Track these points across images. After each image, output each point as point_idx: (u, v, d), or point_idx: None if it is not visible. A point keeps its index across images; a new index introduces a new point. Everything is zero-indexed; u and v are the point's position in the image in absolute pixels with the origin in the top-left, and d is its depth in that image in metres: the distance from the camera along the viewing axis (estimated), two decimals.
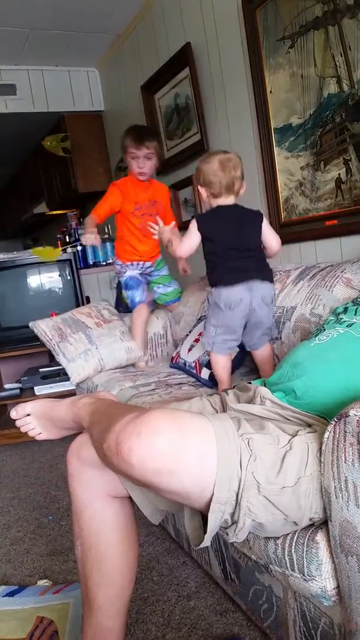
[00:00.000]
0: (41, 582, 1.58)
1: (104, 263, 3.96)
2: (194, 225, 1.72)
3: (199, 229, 1.71)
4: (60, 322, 2.46)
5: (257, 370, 1.85)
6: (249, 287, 1.65)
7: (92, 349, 2.36)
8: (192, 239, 1.73)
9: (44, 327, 2.46)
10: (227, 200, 1.71)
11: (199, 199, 1.82)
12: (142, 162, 2.24)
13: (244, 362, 2.01)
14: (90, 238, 2.29)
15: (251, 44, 2.17)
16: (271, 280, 1.73)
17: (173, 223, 2.15)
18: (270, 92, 2.14)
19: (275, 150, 2.17)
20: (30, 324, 2.47)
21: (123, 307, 3.73)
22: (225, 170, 1.67)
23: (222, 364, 1.76)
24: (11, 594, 1.52)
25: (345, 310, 1.24)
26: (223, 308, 1.66)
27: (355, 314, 1.17)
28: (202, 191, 1.72)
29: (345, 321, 1.15)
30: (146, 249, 2.39)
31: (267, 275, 1.72)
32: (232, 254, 1.68)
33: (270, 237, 1.78)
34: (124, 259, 2.42)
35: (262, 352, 1.79)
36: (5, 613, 1.43)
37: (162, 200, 2.39)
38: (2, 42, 3.18)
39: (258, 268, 1.71)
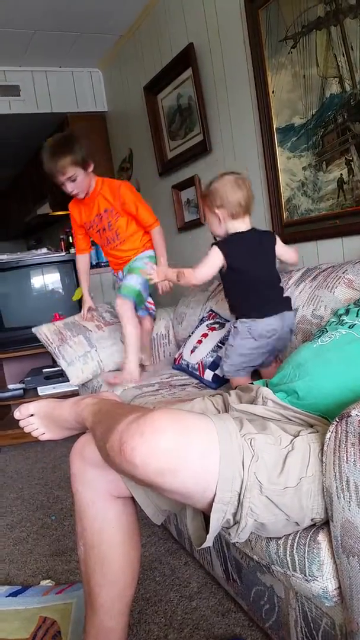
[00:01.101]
0: (44, 582, 1.58)
1: (107, 264, 3.96)
2: (217, 254, 1.64)
3: (226, 260, 1.64)
4: (62, 327, 2.49)
5: (259, 372, 1.85)
6: (282, 317, 1.65)
7: (92, 351, 2.37)
8: (213, 268, 1.65)
9: (45, 332, 2.50)
10: (244, 222, 1.66)
11: (211, 223, 1.70)
12: (69, 186, 2.07)
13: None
14: (87, 317, 2.36)
15: (253, 44, 2.17)
16: (292, 308, 1.72)
17: (163, 259, 2.11)
18: (273, 92, 2.14)
19: (278, 150, 2.17)
20: (34, 330, 2.50)
21: None
22: (242, 188, 1.63)
23: (243, 382, 1.69)
24: (14, 594, 1.52)
25: (347, 311, 1.24)
26: (258, 338, 1.63)
27: (357, 316, 1.17)
28: (220, 213, 1.64)
29: (347, 322, 1.16)
30: (112, 260, 2.30)
31: (290, 303, 1.72)
32: (262, 285, 1.67)
33: (287, 253, 1.76)
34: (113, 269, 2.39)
35: (269, 370, 1.77)
36: (8, 613, 1.43)
37: (117, 203, 2.14)
38: (5, 44, 3.19)
39: (284, 298, 1.72)
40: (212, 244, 1.68)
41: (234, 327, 1.68)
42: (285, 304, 1.68)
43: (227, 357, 1.70)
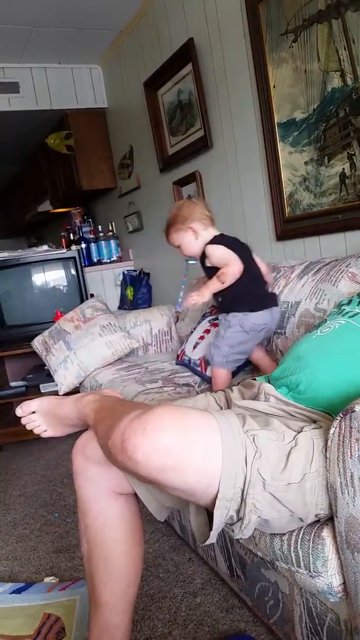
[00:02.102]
0: (48, 579, 1.58)
1: (109, 261, 3.96)
2: (221, 248, 1.68)
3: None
4: (47, 335, 2.51)
5: (257, 368, 1.85)
6: (271, 312, 1.71)
7: (70, 354, 2.35)
8: (235, 255, 1.67)
9: (36, 343, 2.53)
10: (214, 230, 1.75)
11: (186, 244, 1.74)
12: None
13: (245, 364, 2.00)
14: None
15: (254, 38, 2.16)
16: (278, 304, 1.77)
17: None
18: (274, 86, 2.13)
19: (279, 145, 2.16)
20: (31, 343, 2.57)
21: (128, 304, 3.75)
22: (197, 203, 1.77)
23: (225, 377, 1.76)
24: (18, 590, 1.53)
25: (350, 302, 1.22)
26: (249, 331, 1.68)
27: (358, 305, 1.16)
28: (193, 227, 1.70)
29: (347, 312, 1.14)
30: None
31: (276, 299, 1.78)
32: (255, 280, 1.73)
33: (261, 263, 1.80)
34: None
35: (255, 353, 1.80)
36: (12, 609, 1.44)
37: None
38: (5, 40, 3.18)
39: (272, 294, 1.78)
40: (206, 244, 1.71)
41: (226, 319, 1.72)
42: (273, 300, 1.75)
43: (218, 347, 1.73)
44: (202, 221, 1.72)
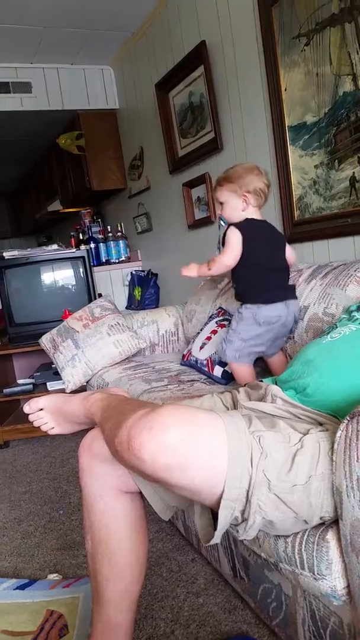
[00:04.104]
0: (51, 576, 1.59)
1: (117, 260, 3.97)
2: (237, 233, 1.66)
3: (243, 242, 1.66)
4: (55, 333, 2.51)
5: (269, 370, 1.85)
6: (287, 305, 1.68)
7: (78, 353, 2.36)
8: (238, 248, 1.67)
9: (44, 341, 2.54)
10: (258, 213, 1.71)
11: (232, 207, 1.69)
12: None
13: (256, 362, 2.00)
14: None
15: (266, 41, 2.16)
16: (296, 297, 1.75)
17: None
18: (285, 90, 2.13)
19: (290, 148, 2.16)
20: (39, 341, 2.58)
21: (135, 304, 3.76)
22: (263, 178, 1.68)
23: (247, 371, 1.74)
24: (22, 587, 1.53)
25: (359, 308, 1.23)
26: (262, 324, 1.66)
27: None
28: (248, 197, 1.65)
29: (357, 319, 1.15)
30: None
31: (294, 292, 1.75)
32: (271, 271, 1.70)
33: (288, 250, 1.79)
34: None
35: (276, 358, 1.80)
36: (16, 606, 1.44)
37: None
38: (17, 41, 3.20)
39: (290, 286, 1.75)
40: (229, 225, 1.70)
41: (239, 312, 1.71)
42: (290, 292, 1.72)
43: (230, 342, 1.72)
44: (258, 197, 1.67)
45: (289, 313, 1.69)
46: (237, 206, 1.68)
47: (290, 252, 1.80)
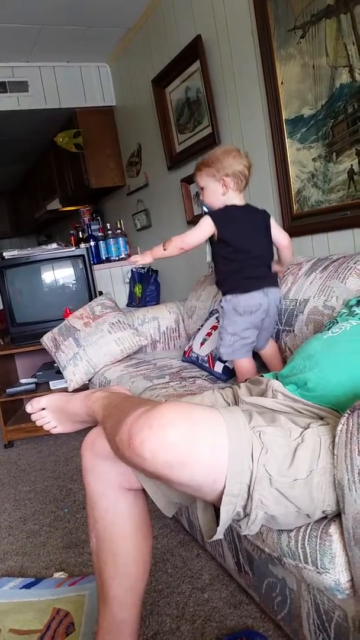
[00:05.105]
0: (57, 575, 1.59)
1: (117, 258, 3.97)
2: (208, 222, 1.65)
3: (218, 230, 1.65)
4: (56, 332, 2.51)
5: (265, 366, 1.84)
6: (265, 293, 1.67)
7: (80, 351, 2.36)
8: (202, 234, 1.66)
9: (45, 340, 2.53)
10: (240, 197, 1.69)
11: (211, 191, 1.67)
12: None
13: (255, 358, 2.00)
14: None
15: (262, 34, 2.15)
16: (278, 285, 1.75)
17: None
18: (282, 83, 2.12)
19: (287, 141, 2.15)
20: (40, 340, 2.60)
21: (136, 301, 3.76)
22: (244, 159, 1.64)
23: (247, 365, 1.73)
24: (28, 585, 1.54)
25: (358, 302, 1.23)
26: (243, 314, 1.66)
27: None
28: (226, 181, 1.63)
29: (358, 314, 1.15)
30: None
31: (276, 280, 1.75)
32: (248, 260, 1.67)
33: (279, 235, 1.77)
34: None
35: (268, 350, 1.80)
36: (22, 604, 1.45)
37: None
38: (13, 39, 3.19)
39: (270, 274, 1.74)
40: (206, 214, 1.69)
41: (221, 307, 1.71)
42: (269, 280, 1.70)
43: (221, 339, 1.72)
44: (237, 180, 1.64)
45: (270, 300, 1.68)
46: (216, 190, 1.67)
47: (279, 233, 1.77)
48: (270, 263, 1.76)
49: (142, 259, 1.74)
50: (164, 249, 1.69)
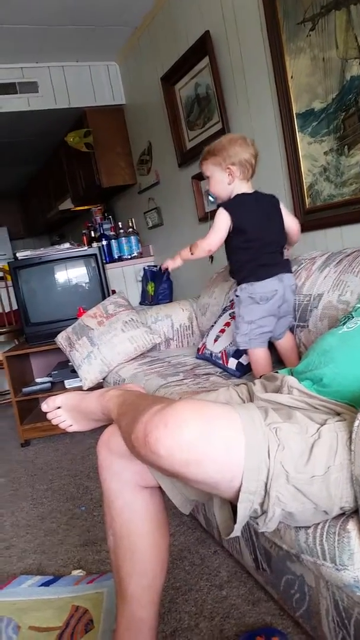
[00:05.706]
0: (75, 572, 1.61)
1: (129, 257, 3.98)
2: (224, 216, 1.63)
3: (233, 220, 1.64)
4: (71, 331, 2.52)
5: (281, 360, 1.83)
6: (280, 279, 1.67)
7: (94, 350, 2.37)
8: (223, 230, 1.65)
9: (60, 339, 2.55)
10: (247, 185, 1.68)
11: (218, 181, 1.66)
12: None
13: (270, 352, 1.99)
14: None
15: (271, 28, 2.14)
16: (291, 270, 1.75)
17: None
18: (292, 77, 2.10)
19: (298, 135, 2.14)
20: (55, 339, 2.62)
21: (149, 299, 3.76)
22: (250, 147, 1.63)
23: (263, 356, 1.72)
24: (47, 583, 1.55)
25: None
26: (259, 301, 1.65)
27: None
28: (234, 171, 1.62)
29: None
30: None
31: (289, 265, 1.75)
32: (262, 248, 1.67)
33: (289, 219, 1.77)
34: None
35: (285, 342, 1.78)
36: (41, 602, 1.46)
37: None
38: (22, 40, 3.21)
39: (284, 261, 1.74)
40: (218, 206, 1.67)
41: (236, 296, 1.71)
42: (283, 266, 1.70)
43: (237, 328, 1.72)
44: (244, 169, 1.63)
45: (285, 287, 1.68)
46: (222, 180, 1.66)
47: (290, 218, 1.77)
48: (282, 249, 1.76)
49: (174, 263, 1.79)
50: (191, 253, 1.72)
